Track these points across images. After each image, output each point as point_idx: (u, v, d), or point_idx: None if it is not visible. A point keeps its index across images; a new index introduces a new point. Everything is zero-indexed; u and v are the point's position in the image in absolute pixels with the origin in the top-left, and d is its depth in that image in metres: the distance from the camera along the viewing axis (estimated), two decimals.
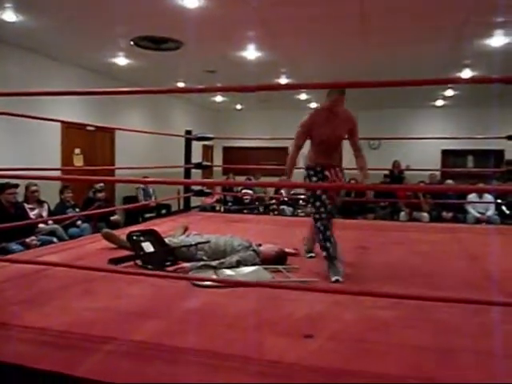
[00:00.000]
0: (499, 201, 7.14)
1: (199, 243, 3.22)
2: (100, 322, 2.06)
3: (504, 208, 7.39)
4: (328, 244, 2.90)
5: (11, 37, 5.76)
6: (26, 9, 4.82)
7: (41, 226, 5.28)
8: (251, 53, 6.45)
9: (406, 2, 4.49)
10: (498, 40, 5.65)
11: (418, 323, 2.09)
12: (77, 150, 7.60)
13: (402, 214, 7.75)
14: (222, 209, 9.05)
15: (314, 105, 11.14)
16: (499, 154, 10.62)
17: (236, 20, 5.11)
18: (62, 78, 7.07)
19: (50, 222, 5.38)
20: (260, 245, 3.30)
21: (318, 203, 2.97)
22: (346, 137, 3.13)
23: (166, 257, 3.12)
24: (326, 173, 3.09)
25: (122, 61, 7.08)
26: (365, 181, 3.09)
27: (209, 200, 8.97)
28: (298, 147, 3.13)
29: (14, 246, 4.61)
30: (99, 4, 4.67)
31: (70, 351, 1.77)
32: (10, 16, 4.97)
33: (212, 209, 8.78)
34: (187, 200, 6.26)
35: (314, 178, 3.12)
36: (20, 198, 5.45)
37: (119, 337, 1.88)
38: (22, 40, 5.95)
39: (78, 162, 7.64)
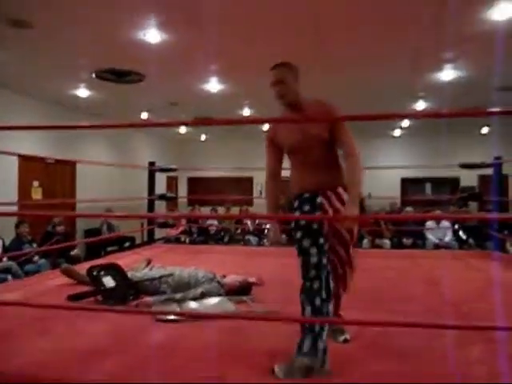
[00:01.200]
0: (456, 226, 7.41)
1: (162, 276, 3.16)
2: (59, 363, 1.97)
3: (461, 233, 7.67)
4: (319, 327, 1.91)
5: None
6: None
7: None
8: (214, 85, 6.56)
9: (362, 33, 4.70)
10: (447, 74, 6.00)
11: (380, 351, 2.11)
12: (35, 183, 7.39)
13: (365, 241, 7.90)
14: (188, 240, 8.95)
15: None
16: (455, 181, 11.13)
17: (198, 54, 5.21)
18: (22, 109, 6.93)
19: (4, 258, 5.15)
20: (224, 276, 3.28)
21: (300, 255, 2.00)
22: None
23: (129, 291, 3.05)
24: (319, 199, 2.06)
25: (83, 92, 7.03)
26: (350, 209, 1.96)
27: (173, 231, 8.86)
28: (270, 169, 2.24)
29: None
30: (61, 36, 4.67)
31: None
32: None
33: (177, 240, 8.66)
34: (151, 232, 6.17)
35: (299, 213, 2.10)
36: None
37: (78, 378, 1.81)
38: None
39: (37, 194, 7.42)
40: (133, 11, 4.08)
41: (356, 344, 2.18)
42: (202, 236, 9.10)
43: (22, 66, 5.70)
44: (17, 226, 5.85)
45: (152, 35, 4.58)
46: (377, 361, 1.99)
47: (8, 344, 2.22)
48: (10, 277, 4.91)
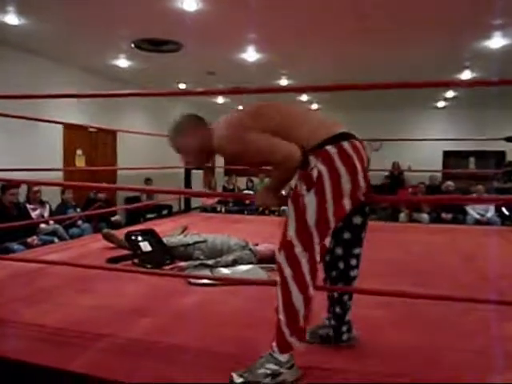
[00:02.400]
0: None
1: (196, 242, 3.26)
2: (96, 319, 2.10)
3: (504, 209, 7.38)
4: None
5: (13, 39, 5.82)
6: (28, 12, 4.88)
7: (42, 226, 5.33)
8: (251, 54, 6.49)
9: (405, 4, 4.52)
10: (496, 42, 5.67)
11: (408, 322, 2.12)
12: (79, 151, 7.67)
13: (402, 215, 7.75)
14: (223, 209, 9.09)
15: (315, 106, 11.18)
16: (500, 155, 10.64)
17: (235, 22, 5.15)
18: (65, 79, 7.12)
19: (51, 222, 5.43)
20: (257, 244, 3.34)
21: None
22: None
23: (164, 256, 3.17)
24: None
25: (123, 63, 7.14)
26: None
27: (210, 201, 9.00)
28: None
29: (15, 246, 4.66)
30: (100, 7, 4.72)
31: (65, 347, 1.82)
32: (12, 19, 5.03)
33: (213, 210, 8.82)
34: (188, 201, 6.31)
35: None
36: (22, 199, 5.51)
37: (114, 333, 1.93)
38: (24, 42, 6.01)
39: (80, 162, 7.71)
40: None
41: (383, 313, 2.19)
42: (237, 206, 9.21)
43: (63, 36, 5.82)
44: (62, 192, 6.14)
45: (189, 3, 4.55)
46: (403, 331, 2.01)
47: (53, 300, 2.38)
48: (56, 239, 5.18)
